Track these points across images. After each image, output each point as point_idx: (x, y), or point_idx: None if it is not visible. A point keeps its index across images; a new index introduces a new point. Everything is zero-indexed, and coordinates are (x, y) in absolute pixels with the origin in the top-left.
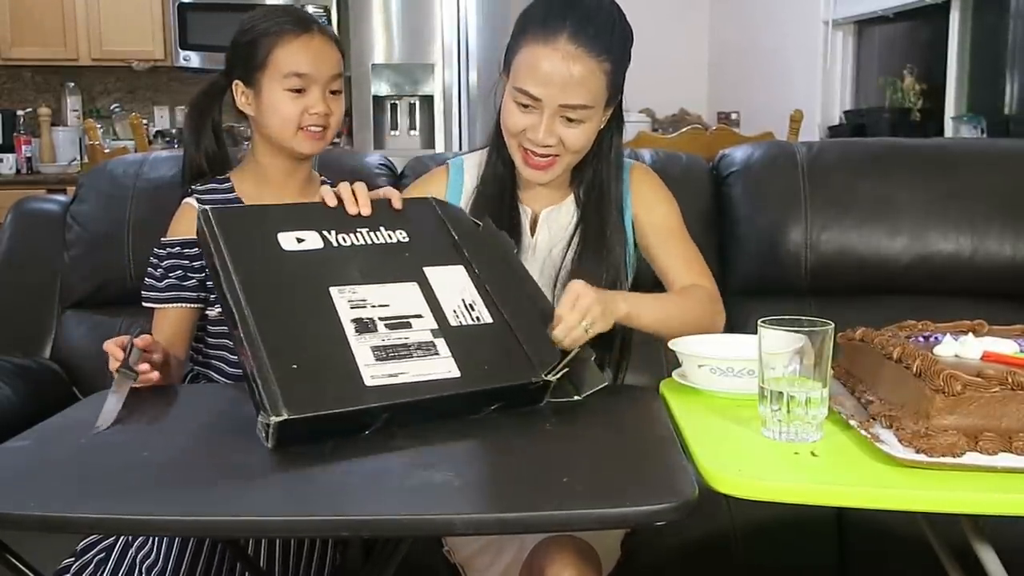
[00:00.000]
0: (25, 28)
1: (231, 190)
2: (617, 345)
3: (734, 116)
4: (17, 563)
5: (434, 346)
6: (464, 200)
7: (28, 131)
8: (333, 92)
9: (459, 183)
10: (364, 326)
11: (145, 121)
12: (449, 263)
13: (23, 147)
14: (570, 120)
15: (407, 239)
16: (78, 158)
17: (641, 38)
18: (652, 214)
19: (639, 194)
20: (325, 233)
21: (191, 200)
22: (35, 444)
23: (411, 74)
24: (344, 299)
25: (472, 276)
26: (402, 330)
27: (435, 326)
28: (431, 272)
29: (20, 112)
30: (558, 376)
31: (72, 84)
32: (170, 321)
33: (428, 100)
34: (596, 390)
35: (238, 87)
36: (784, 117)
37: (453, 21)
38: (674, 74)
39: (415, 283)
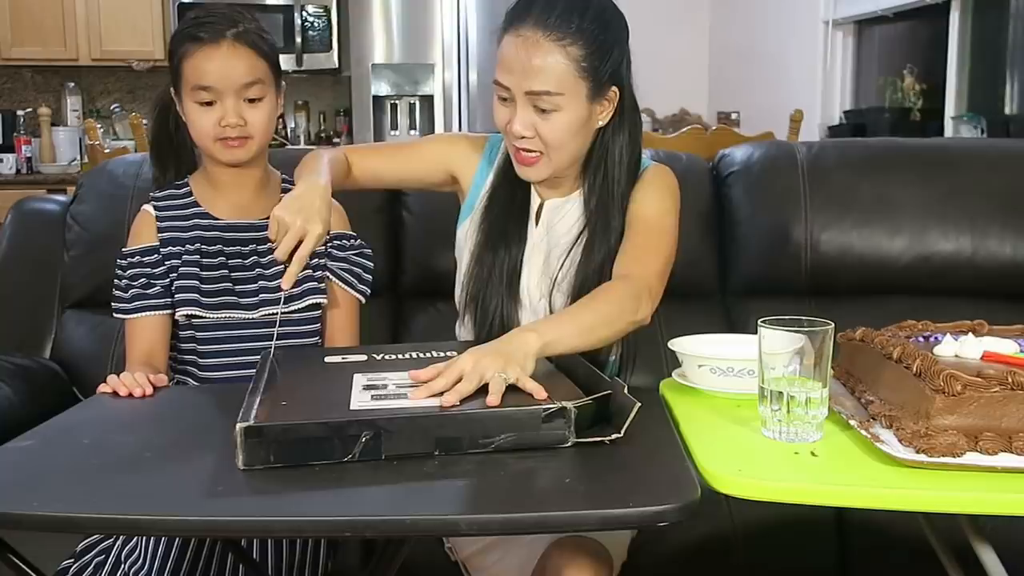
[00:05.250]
0: (25, 28)
1: (189, 195)
2: (618, 347)
3: (734, 116)
4: (19, 563)
5: (441, 394)
6: (489, 177)
7: (28, 131)
8: (250, 100)
9: (491, 159)
10: (372, 386)
11: (145, 121)
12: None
13: (23, 147)
14: (543, 110)
15: (455, 353)
16: (78, 158)
17: (641, 38)
18: (637, 203)
19: (640, 190)
20: (373, 355)
21: (148, 207)
22: (38, 444)
23: (411, 74)
24: (364, 377)
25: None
26: (412, 389)
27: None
28: None
29: (20, 112)
30: (577, 405)
31: (72, 84)
32: (143, 330)
33: (428, 100)
34: (633, 416)
35: (175, 95)
36: (784, 117)
37: (453, 21)
38: (674, 74)
39: None
